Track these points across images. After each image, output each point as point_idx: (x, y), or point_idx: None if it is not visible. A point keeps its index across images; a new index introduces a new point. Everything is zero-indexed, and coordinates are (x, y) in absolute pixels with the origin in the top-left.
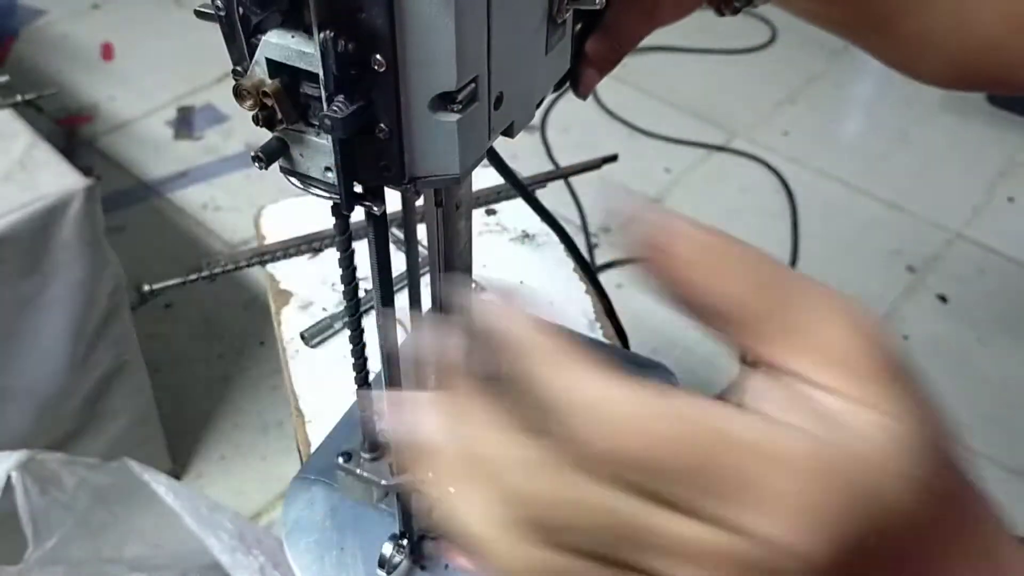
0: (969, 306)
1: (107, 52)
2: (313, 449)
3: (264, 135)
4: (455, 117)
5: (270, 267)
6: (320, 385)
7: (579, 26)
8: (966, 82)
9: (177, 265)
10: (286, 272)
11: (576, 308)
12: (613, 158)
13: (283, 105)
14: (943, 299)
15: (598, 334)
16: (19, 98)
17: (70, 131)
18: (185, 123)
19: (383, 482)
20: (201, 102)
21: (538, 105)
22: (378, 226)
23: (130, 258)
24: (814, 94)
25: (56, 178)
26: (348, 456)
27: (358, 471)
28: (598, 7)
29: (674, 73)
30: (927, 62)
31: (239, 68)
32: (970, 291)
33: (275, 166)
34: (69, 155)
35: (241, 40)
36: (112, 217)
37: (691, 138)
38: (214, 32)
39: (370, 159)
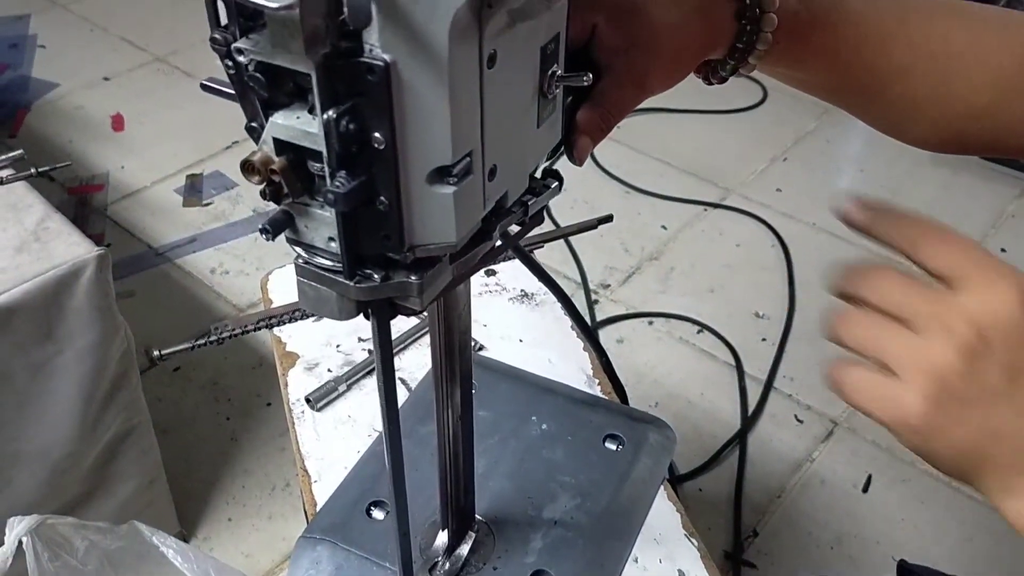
0: None
1: (118, 123)
2: (318, 508)
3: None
4: (451, 189)
5: (276, 330)
6: (326, 445)
7: (570, 98)
8: (953, 146)
9: (186, 328)
10: (292, 335)
11: (574, 365)
12: (609, 218)
13: (289, 181)
14: None
15: (596, 390)
16: (33, 171)
17: (82, 199)
18: (194, 190)
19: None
20: (209, 169)
21: (531, 174)
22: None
23: (140, 322)
24: (805, 151)
25: (69, 248)
26: None
27: None
28: (585, 84)
29: (669, 133)
30: (914, 127)
31: (254, 124)
32: None
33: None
34: (81, 222)
35: (253, 98)
36: (123, 282)
37: (686, 196)
38: (221, 103)
39: (371, 229)
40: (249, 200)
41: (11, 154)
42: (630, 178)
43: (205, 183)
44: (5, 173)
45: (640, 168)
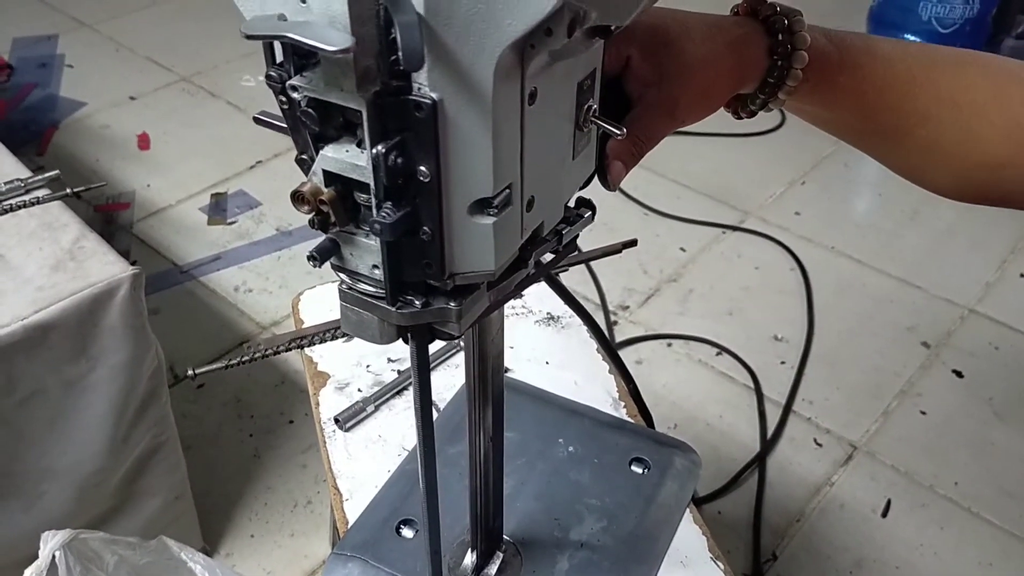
0: (984, 381)
1: (143, 142)
2: (349, 526)
3: (293, 219)
4: (491, 220)
5: (307, 350)
6: (356, 464)
7: None
8: (972, 195)
9: (211, 346)
10: (323, 355)
11: (600, 387)
12: (633, 243)
13: (337, 211)
14: (959, 374)
15: (622, 413)
16: (69, 191)
17: (108, 217)
18: (218, 209)
19: None
20: (233, 188)
21: (565, 203)
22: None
23: (165, 339)
24: (824, 175)
25: (104, 267)
26: None
27: None
28: (619, 136)
29: (688, 156)
30: (933, 173)
31: (304, 156)
32: (985, 366)
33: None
34: (107, 240)
35: (304, 132)
36: (148, 300)
37: (705, 218)
38: (246, 123)
39: (413, 257)
40: (273, 219)
41: (47, 174)
42: (649, 200)
43: (229, 202)
44: (41, 193)
45: (659, 191)
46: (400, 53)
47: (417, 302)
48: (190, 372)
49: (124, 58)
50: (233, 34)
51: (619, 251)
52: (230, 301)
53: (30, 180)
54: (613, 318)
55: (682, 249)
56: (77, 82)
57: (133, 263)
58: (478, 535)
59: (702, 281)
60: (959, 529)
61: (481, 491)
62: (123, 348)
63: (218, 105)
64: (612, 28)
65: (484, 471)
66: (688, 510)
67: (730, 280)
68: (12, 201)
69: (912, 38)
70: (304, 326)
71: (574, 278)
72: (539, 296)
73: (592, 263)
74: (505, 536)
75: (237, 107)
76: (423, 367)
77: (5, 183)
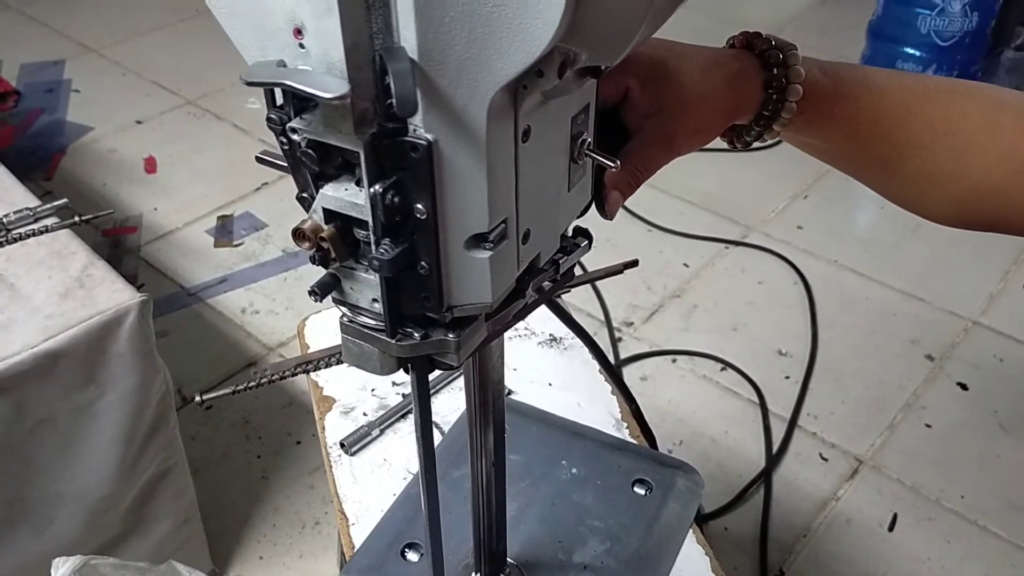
0: (989, 393)
1: (150, 165)
2: (355, 549)
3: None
4: (487, 254)
5: (313, 374)
6: (362, 488)
7: None
8: (969, 222)
9: (219, 367)
10: (328, 379)
11: (603, 408)
12: (634, 263)
13: (337, 247)
14: (963, 387)
15: (624, 433)
16: (77, 219)
17: (115, 240)
18: (224, 231)
19: None
20: (239, 211)
21: (563, 234)
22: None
23: (173, 362)
24: (825, 188)
25: (112, 294)
26: None
27: None
28: (613, 169)
29: (690, 171)
30: (930, 201)
31: (305, 194)
32: (989, 378)
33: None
34: (114, 264)
35: (304, 172)
36: (156, 322)
37: (708, 234)
38: (251, 146)
39: (412, 291)
40: (279, 240)
41: (56, 203)
42: (652, 216)
43: (235, 224)
44: (50, 221)
45: (662, 207)
46: (394, 100)
47: (416, 334)
48: (199, 398)
49: (130, 82)
50: (238, 57)
51: (620, 271)
52: (237, 323)
53: (39, 209)
54: (617, 335)
55: (685, 265)
56: (84, 107)
57: (140, 287)
58: (482, 558)
59: (706, 296)
60: (966, 543)
61: (484, 515)
62: (131, 374)
63: (224, 128)
64: (602, 68)
65: (486, 495)
66: (691, 530)
67: (734, 295)
68: (21, 230)
69: (911, 51)
70: (310, 351)
71: (578, 296)
72: (541, 318)
73: (596, 282)
74: (509, 559)
75: (243, 130)
76: (423, 397)
77: (15, 212)
